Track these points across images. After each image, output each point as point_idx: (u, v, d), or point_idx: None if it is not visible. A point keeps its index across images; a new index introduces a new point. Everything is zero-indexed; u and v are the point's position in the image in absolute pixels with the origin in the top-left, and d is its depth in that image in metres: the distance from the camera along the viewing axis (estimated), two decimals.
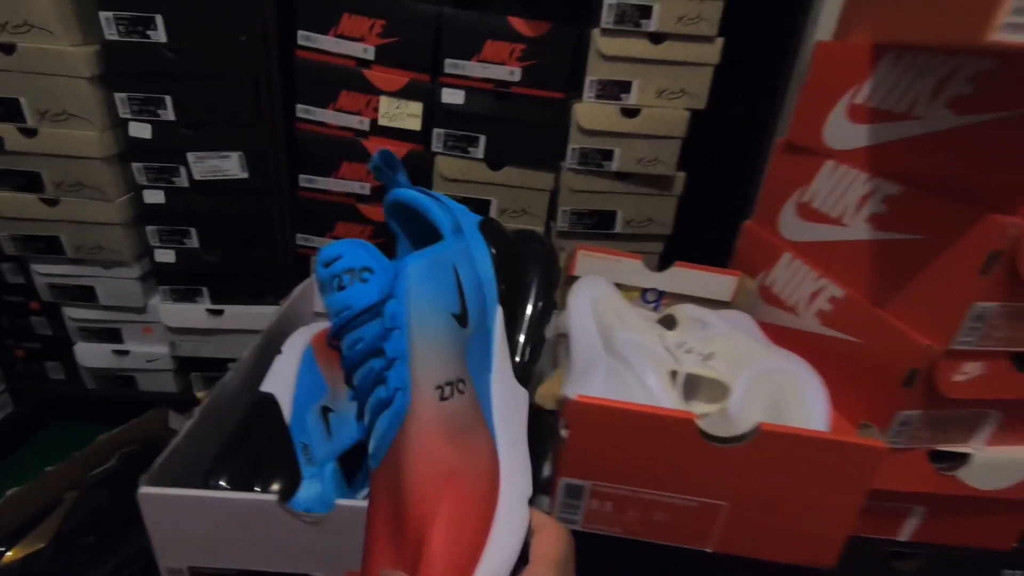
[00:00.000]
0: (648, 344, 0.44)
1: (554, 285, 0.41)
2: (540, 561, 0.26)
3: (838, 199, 0.51)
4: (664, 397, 0.39)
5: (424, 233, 0.39)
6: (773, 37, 0.92)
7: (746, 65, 0.93)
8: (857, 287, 0.49)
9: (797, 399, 0.40)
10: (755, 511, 0.37)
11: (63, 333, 1.08)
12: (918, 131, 0.44)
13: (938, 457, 0.47)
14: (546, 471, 0.46)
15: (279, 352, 0.53)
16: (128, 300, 1.03)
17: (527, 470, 0.31)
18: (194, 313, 1.04)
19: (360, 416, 0.34)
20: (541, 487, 0.44)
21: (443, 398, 0.31)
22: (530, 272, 0.40)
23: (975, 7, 0.30)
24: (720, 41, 0.86)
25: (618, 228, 1.00)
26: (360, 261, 0.35)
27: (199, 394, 1.09)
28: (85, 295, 1.02)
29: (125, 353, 1.08)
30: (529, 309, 0.39)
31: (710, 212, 1.04)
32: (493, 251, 0.37)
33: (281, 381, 0.50)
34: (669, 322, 0.55)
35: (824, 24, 0.85)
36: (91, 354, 1.08)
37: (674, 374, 0.41)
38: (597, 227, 0.99)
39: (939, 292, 0.41)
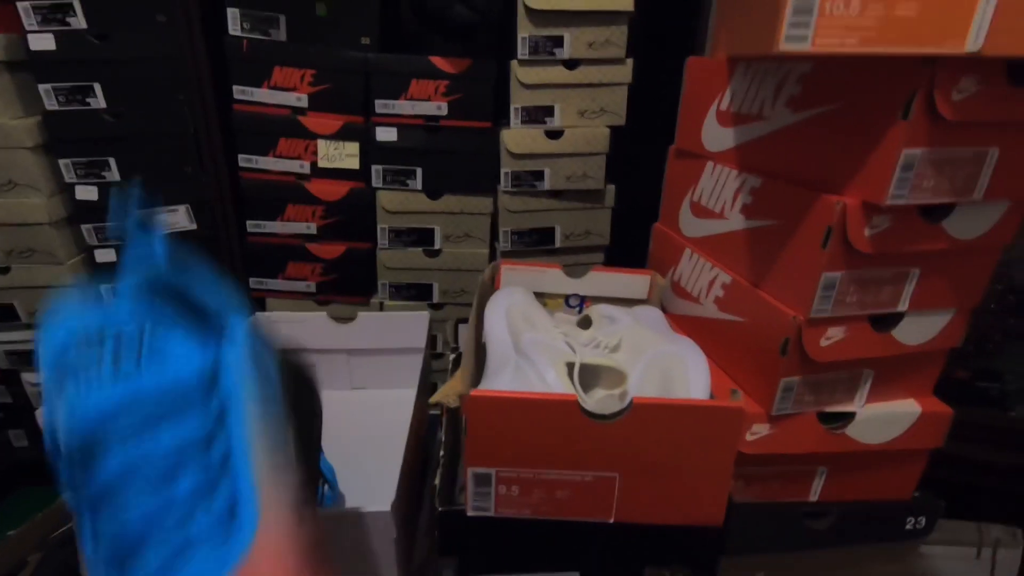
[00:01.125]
0: (550, 342, 0.48)
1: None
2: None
3: (719, 195, 0.57)
4: (559, 386, 0.43)
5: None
6: (676, 53, 0.99)
7: (656, 80, 1.00)
8: (740, 272, 0.54)
9: (682, 377, 0.45)
10: (643, 479, 0.41)
11: (24, 400, 1.09)
12: (768, 129, 0.50)
13: (828, 419, 0.52)
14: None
15: None
16: None
17: None
18: None
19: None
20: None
21: (299, 517, 0.24)
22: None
23: (768, 25, 0.36)
24: (630, 61, 0.93)
25: (558, 243, 1.05)
26: (124, 318, 0.25)
27: None
28: None
29: None
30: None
31: (642, 219, 1.10)
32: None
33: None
34: (585, 322, 0.59)
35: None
36: None
37: (570, 365, 0.45)
38: (538, 244, 1.04)
39: (796, 268, 0.46)
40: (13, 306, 0.98)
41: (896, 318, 0.48)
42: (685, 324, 0.62)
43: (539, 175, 0.99)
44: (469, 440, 0.39)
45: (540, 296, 0.65)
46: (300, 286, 1.04)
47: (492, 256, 1.06)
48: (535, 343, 0.48)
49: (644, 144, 1.07)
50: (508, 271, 0.65)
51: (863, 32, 0.35)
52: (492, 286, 0.65)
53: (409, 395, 0.63)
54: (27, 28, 0.84)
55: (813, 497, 0.55)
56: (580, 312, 0.68)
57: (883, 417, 0.51)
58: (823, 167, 0.45)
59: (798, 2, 0.35)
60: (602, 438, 0.40)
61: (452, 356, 0.70)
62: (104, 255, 0.98)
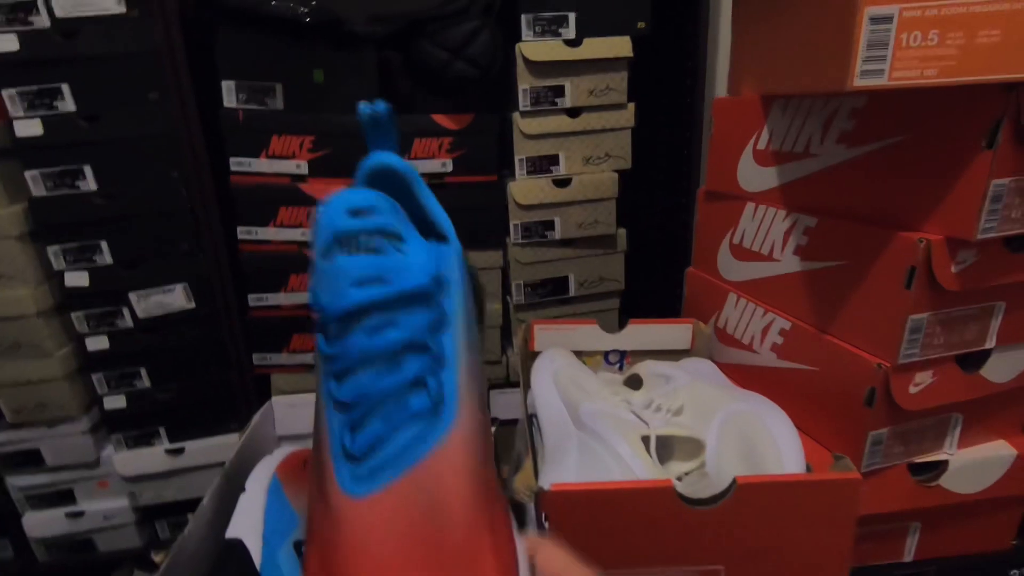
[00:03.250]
0: (614, 411, 0.44)
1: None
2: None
3: (764, 237, 0.54)
4: (639, 465, 0.38)
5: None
6: (678, 94, 0.99)
7: (660, 122, 1.00)
8: (801, 317, 0.50)
9: (767, 441, 0.40)
10: (752, 567, 0.36)
11: (10, 506, 1.00)
12: (818, 167, 0.48)
13: (917, 470, 0.47)
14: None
15: (243, 490, 0.50)
16: (78, 456, 0.97)
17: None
18: (152, 457, 0.99)
19: (351, 426, 0.26)
20: None
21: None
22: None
23: (835, 61, 0.34)
24: (631, 106, 0.93)
25: (572, 292, 1.02)
26: (395, 225, 0.27)
27: (156, 557, 1.01)
28: (30, 459, 0.95)
29: (79, 515, 1.00)
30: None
31: (656, 262, 1.07)
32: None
33: (248, 522, 0.47)
34: (635, 382, 0.55)
35: (720, 76, 0.93)
36: (41, 523, 1.00)
37: (646, 439, 0.41)
38: (552, 294, 1.01)
39: (875, 311, 0.43)
40: None
41: (983, 356, 0.44)
42: (738, 374, 0.58)
43: (550, 224, 0.96)
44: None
45: (578, 355, 0.60)
46: (307, 358, 0.99)
47: (505, 311, 1.02)
48: (598, 414, 0.43)
49: (649, 186, 1.06)
50: (541, 331, 0.61)
51: (943, 62, 0.33)
52: (527, 349, 0.60)
53: None
54: (12, 115, 0.81)
55: (908, 557, 0.50)
56: (621, 368, 0.64)
57: (977, 463, 0.47)
58: (891, 203, 0.42)
59: (872, 37, 0.32)
60: (703, 526, 0.35)
61: (493, 430, 0.65)
62: (96, 342, 0.92)
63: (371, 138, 0.35)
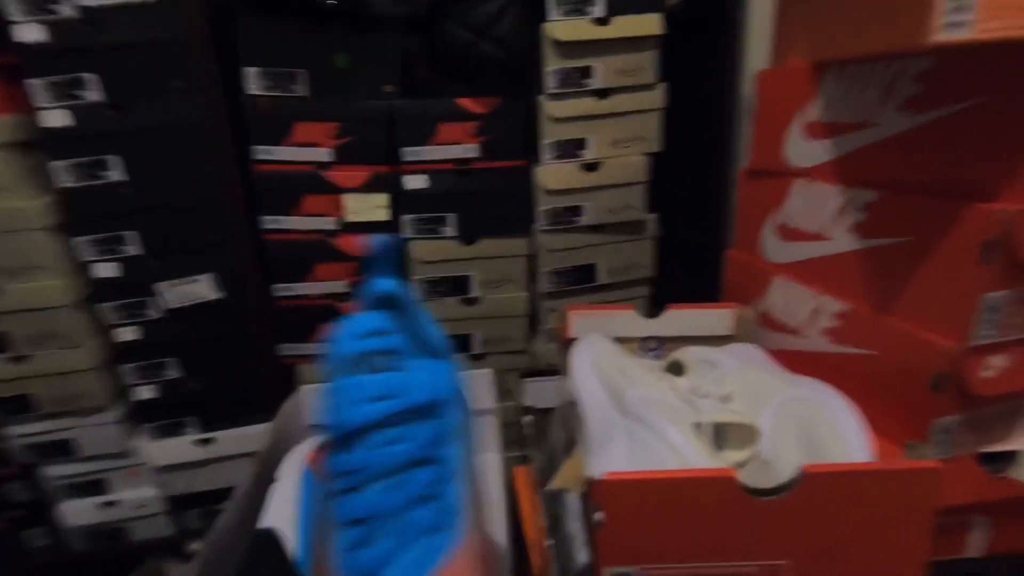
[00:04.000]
0: (662, 398, 0.42)
1: None
2: None
3: (815, 215, 0.51)
4: (693, 454, 0.36)
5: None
6: (710, 72, 0.96)
7: (691, 101, 0.97)
8: (857, 299, 0.47)
9: (830, 429, 0.38)
10: (821, 563, 0.34)
11: (42, 495, 1.01)
12: (878, 137, 0.44)
13: (985, 460, 0.44)
14: (583, 557, 0.42)
15: (275, 480, 0.49)
16: (110, 446, 0.97)
17: None
18: (182, 447, 0.99)
19: (360, 542, 0.26)
20: None
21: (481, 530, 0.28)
22: None
23: (912, 13, 0.31)
24: (661, 86, 0.90)
25: (601, 279, 0.99)
26: (401, 345, 0.30)
27: (193, 546, 1.02)
28: (62, 449, 0.96)
29: (112, 504, 1.01)
30: None
31: (687, 247, 1.04)
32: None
33: (282, 512, 0.46)
34: (677, 368, 0.53)
35: (754, 50, 0.90)
36: (75, 511, 1.01)
37: (698, 426, 0.39)
38: (580, 282, 0.99)
39: (944, 289, 0.40)
40: (27, 397, 0.92)
41: None
42: (785, 360, 0.55)
43: (577, 210, 0.94)
44: (605, 535, 0.32)
45: (615, 342, 0.58)
46: None
47: (532, 300, 1.00)
48: (645, 401, 0.41)
49: (679, 170, 1.02)
50: (577, 317, 0.59)
51: None
52: (562, 336, 0.58)
53: (484, 462, 0.56)
54: (39, 105, 0.81)
55: (972, 553, 0.47)
56: (658, 356, 0.62)
57: None
58: (964, 173, 0.39)
59: None
60: (766, 519, 0.33)
61: (527, 419, 0.63)
62: (125, 333, 0.92)
63: (377, 265, 0.37)
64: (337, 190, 0.91)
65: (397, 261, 0.42)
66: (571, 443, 0.51)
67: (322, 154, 0.89)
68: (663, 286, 1.04)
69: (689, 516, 0.32)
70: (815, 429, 0.39)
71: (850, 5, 0.39)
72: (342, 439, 0.27)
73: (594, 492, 0.32)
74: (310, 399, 0.66)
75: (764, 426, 0.40)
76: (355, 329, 0.30)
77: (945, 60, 0.39)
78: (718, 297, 1.02)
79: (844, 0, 0.40)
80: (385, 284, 0.35)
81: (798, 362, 0.54)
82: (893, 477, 0.32)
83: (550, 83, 0.87)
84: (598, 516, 0.32)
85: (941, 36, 0.30)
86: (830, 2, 0.43)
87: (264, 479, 0.50)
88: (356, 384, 0.28)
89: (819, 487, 0.32)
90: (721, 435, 0.41)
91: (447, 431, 0.28)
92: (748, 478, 0.34)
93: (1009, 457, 0.44)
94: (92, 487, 1.01)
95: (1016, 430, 0.44)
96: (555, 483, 0.36)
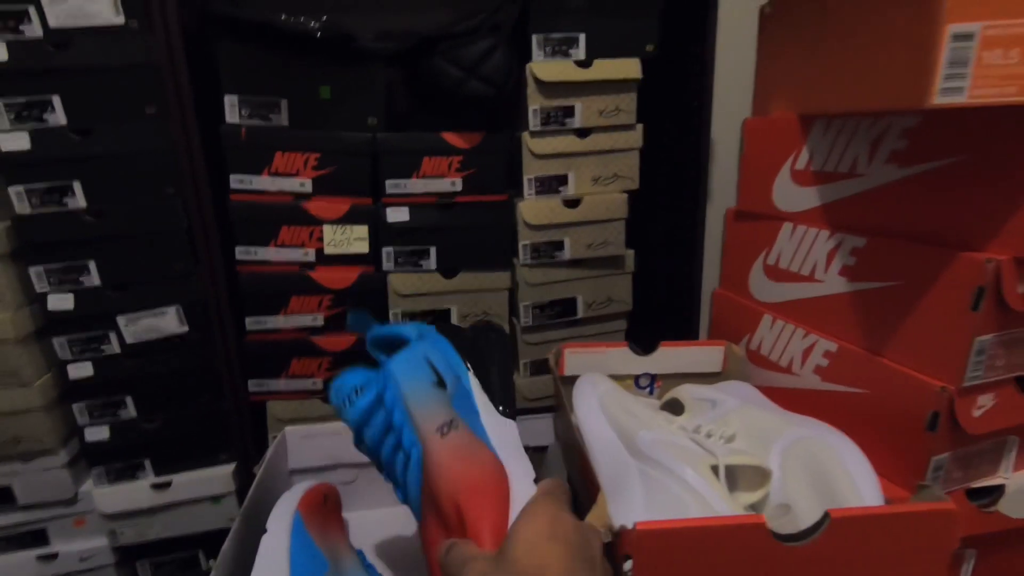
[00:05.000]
0: (674, 440, 0.42)
1: (508, 356, 0.54)
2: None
3: (805, 257, 0.53)
4: (715, 497, 0.36)
5: (399, 349, 0.49)
6: (685, 115, 1.00)
7: (667, 143, 1.00)
8: (849, 339, 0.49)
9: (839, 470, 0.39)
10: None
11: None
12: (866, 186, 0.47)
13: (974, 496, 0.46)
14: None
15: (264, 531, 0.46)
16: (54, 493, 0.89)
17: (528, 467, 0.40)
18: (136, 492, 0.92)
19: (397, 485, 0.43)
20: None
21: (443, 435, 0.41)
22: (488, 349, 0.51)
23: (911, 78, 0.33)
24: (640, 127, 0.93)
25: (580, 313, 1.00)
26: (355, 381, 0.46)
27: None
28: (0, 498, 0.88)
29: (52, 557, 0.92)
30: (495, 374, 0.49)
31: (663, 282, 1.07)
32: (450, 340, 0.50)
33: (272, 567, 0.43)
34: (675, 406, 0.53)
35: (721, 100, 0.94)
36: (9, 567, 0.92)
37: (715, 468, 0.39)
38: (560, 315, 0.99)
39: (935, 332, 0.42)
40: None
41: None
42: (776, 397, 0.56)
43: (559, 245, 0.95)
44: None
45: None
46: (306, 384, 0.94)
47: (513, 334, 1.00)
48: (659, 444, 0.41)
49: (655, 208, 1.06)
50: (572, 355, 0.59)
51: (1023, 81, 0.33)
52: (559, 374, 0.58)
53: None
54: None
55: None
56: (651, 392, 0.62)
57: None
58: (951, 223, 0.42)
59: (953, 54, 0.32)
60: (794, 564, 0.33)
61: None
62: (79, 369, 0.86)
63: (360, 331, 0.56)
64: (316, 221, 0.88)
65: (372, 321, 0.55)
66: (573, 483, 0.50)
67: (301, 184, 0.87)
68: (641, 320, 1.05)
69: (719, 563, 0.32)
70: (824, 470, 0.39)
71: (839, 65, 0.41)
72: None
73: (624, 541, 0.32)
74: (295, 441, 0.63)
75: (772, 467, 0.41)
76: (332, 390, 0.47)
77: (931, 118, 0.42)
78: (695, 331, 1.05)
79: (832, 59, 0.42)
80: (374, 333, 0.51)
81: (790, 399, 0.55)
82: (915, 519, 0.33)
83: (533, 121, 0.88)
84: (627, 566, 0.32)
85: (939, 100, 0.33)
86: (817, 60, 0.45)
87: (252, 530, 0.47)
88: (347, 418, 0.46)
89: (845, 531, 0.32)
90: (731, 476, 0.41)
91: (390, 405, 0.43)
92: (774, 523, 0.34)
93: (996, 491, 0.46)
94: (30, 538, 0.92)
95: (1000, 465, 0.46)
96: None
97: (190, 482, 0.94)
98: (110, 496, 0.91)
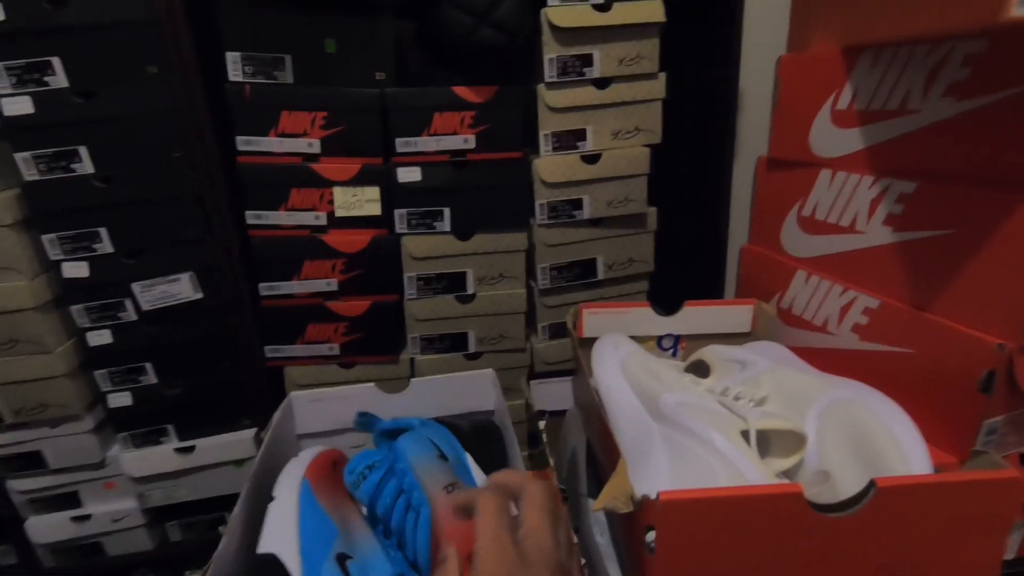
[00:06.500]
0: (700, 402, 0.39)
1: (503, 446, 0.60)
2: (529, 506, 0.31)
3: (845, 207, 0.49)
4: (746, 464, 0.33)
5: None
6: (711, 60, 0.93)
7: (693, 91, 0.94)
8: (892, 294, 0.46)
9: (883, 434, 0.36)
10: None
11: (10, 510, 0.95)
12: (919, 124, 0.42)
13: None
14: (614, 573, 0.39)
15: (271, 498, 0.45)
16: (83, 457, 0.91)
17: None
18: (161, 456, 0.94)
19: (407, 546, 0.45)
20: None
21: (449, 492, 0.46)
22: (484, 438, 0.60)
23: None
24: (663, 76, 0.87)
25: (600, 275, 0.97)
26: (368, 461, 0.51)
27: None
28: (31, 462, 0.90)
29: (86, 518, 0.95)
30: (490, 456, 0.56)
31: (687, 241, 1.02)
32: (445, 427, 0.57)
33: (281, 535, 0.42)
34: (701, 368, 0.50)
35: (752, 40, 0.88)
36: (45, 528, 0.95)
37: (745, 434, 0.36)
38: (579, 277, 0.96)
39: (993, 285, 0.38)
40: None
41: None
42: (809, 358, 0.53)
43: (577, 204, 0.91)
44: (659, 558, 0.30)
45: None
46: (322, 349, 0.93)
47: (530, 296, 0.97)
48: (684, 406, 0.38)
49: (679, 162, 1.00)
50: (591, 316, 0.56)
51: None
52: (577, 335, 0.55)
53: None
54: None
55: (1008, 555, 0.46)
56: (674, 354, 0.59)
57: None
58: (1014, 162, 0.37)
59: None
60: (834, 536, 0.30)
61: (543, 423, 0.60)
62: (98, 337, 0.86)
63: (367, 429, 0.60)
64: (326, 183, 0.86)
65: (376, 419, 0.61)
66: (592, 448, 0.48)
67: (310, 145, 0.84)
68: (664, 281, 1.02)
69: (751, 535, 0.30)
70: (867, 435, 0.36)
71: None
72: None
73: (647, 512, 0.29)
74: (301, 406, 0.62)
75: (808, 431, 0.38)
76: (346, 473, 0.51)
77: (998, 42, 0.37)
78: (720, 293, 1.00)
79: None
80: (379, 428, 0.58)
81: (824, 360, 0.52)
82: (973, 488, 0.30)
83: (549, 71, 0.83)
84: (650, 537, 0.29)
85: (1018, 11, 0.28)
86: None
87: (260, 496, 0.46)
88: (360, 493, 0.49)
89: (893, 501, 0.30)
90: (763, 441, 0.39)
91: (398, 472, 0.49)
92: (812, 492, 0.31)
93: None
94: (63, 500, 0.95)
95: None
96: (601, 501, 0.33)
97: (213, 447, 0.96)
98: (137, 460, 0.93)
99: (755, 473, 0.33)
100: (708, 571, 0.30)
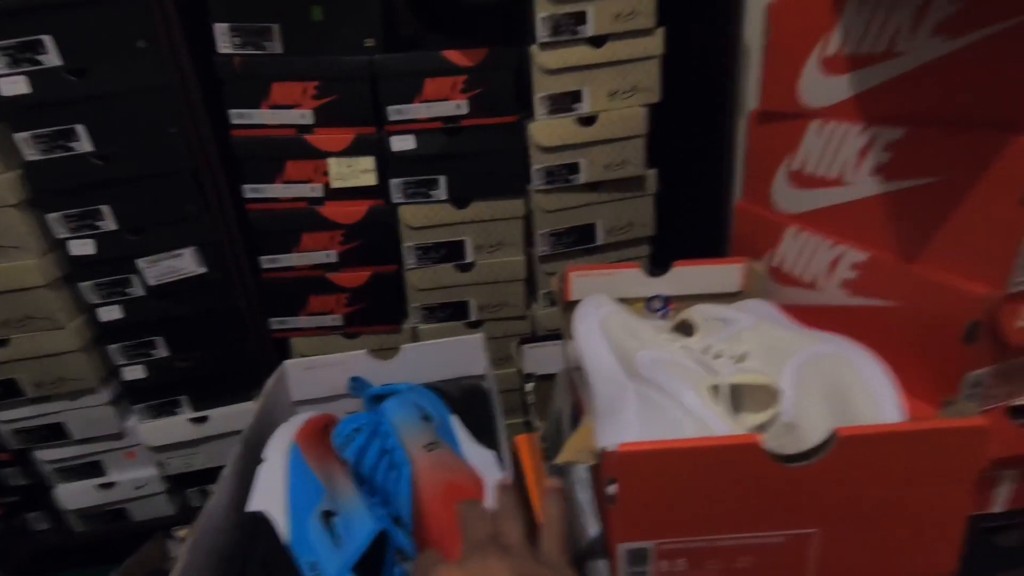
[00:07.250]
0: (674, 359, 0.39)
1: (492, 407, 0.59)
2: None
3: (833, 158, 0.47)
4: (712, 418, 0.33)
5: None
6: (711, 14, 0.90)
7: (692, 47, 0.91)
8: (880, 247, 0.44)
9: (858, 386, 0.35)
10: (852, 531, 0.32)
11: (39, 479, 1.00)
12: (906, 67, 0.40)
13: (1015, 413, 0.42)
14: (594, 531, 0.40)
15: (261, 460, 0.47)
16: (103, 428, 0.95)
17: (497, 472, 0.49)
18: (177, 426, 0.97)
19: (390, 503, 0.47)
20: (594, 550, 0.38)
21: (429, 451, 0.49)
22: (472, 401, 0.61)
23: None
24: (660, 31, 0.84)
25: (600, 240, 0.96)
26: (354, 424, 0.52)
27: (181, 532, 1.01)
28: (55, 433, 0.94)
29: (110, 485, 1.00)
30: (475, 416, 0.58)
31: (689, 203, 1.00)
32: (433, 392, 0.60)
33: (269, 493, 0.44)
34: (686, 328, 0.50)
35: None
36: (73, 494, 1.00)
37: (715, 388, 0.36)
38: (578, 243, 0.95)
39: (979, 233, 0.37)
40: (15, 381, 0.89)
41: None
42: (799, 315, 0.52)
43: (574, 168, 0.90)
44: (618, 509, 0.30)
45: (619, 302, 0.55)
46: (326, 320, 0.95)
47: (529, 263, 0.97)
48: (657, 363, 0.38)
49: (679, 122, 0.98)
50: (578, 278, 0.56)
51: None
52: (564, 299, 0.55)
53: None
54: None
55: (997, 508, 0.46)
56: (665, 316, 0.59)
57: None
58: (1007, 102, 0.35)
59: None
60: (795, 486, 0.30)
61: (530, 387, 0.60)
62: (108, 312, 0.89)
63: (359, 394, 0.62)
64: (320, 154, 0.86)
65: (367, 384, 0.63)
66: (578, 410, 0.48)
67: (302, 116, 0.84)
68: (665, 245, 1.00)
69: (710, 487, 0.30)
70: (842, 387, 0.36)
71: None
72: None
73: (606, 464, 0.30)
74: (296, 373, 0.64)
75: (785, 386, 0.38)
76: (334, 437, 0.52)
77: None
78: (724, 254, 0.99)
79: None
80: (369, 392, 0.59)
81: (814, 317, 0.51)
82: (937, 437, 0.29)
83: (541, 30, 0.81)
84: (611, 489, 0.30)
85: None
86: None
87: (251, 459, 0.48)
88: (349, 454, 0.50)
89: (853, 450, 0.29)
90: (738, 397, 0.38)
91: (379, 427, 0.52)
92: (771, 442, 0.31)
93: None
94: (88, 469, 0.99)
95: None
96: (564, 455, 0.33)
97: (226, 416, 0.99)
98: (153, 430, 0.97)
99: (722, 427, 0.33)
100: (667, 521, 0.30)
